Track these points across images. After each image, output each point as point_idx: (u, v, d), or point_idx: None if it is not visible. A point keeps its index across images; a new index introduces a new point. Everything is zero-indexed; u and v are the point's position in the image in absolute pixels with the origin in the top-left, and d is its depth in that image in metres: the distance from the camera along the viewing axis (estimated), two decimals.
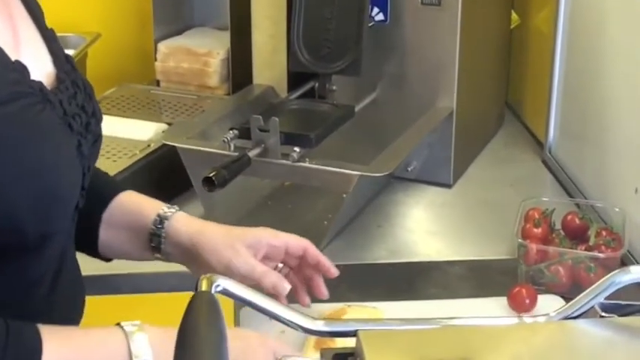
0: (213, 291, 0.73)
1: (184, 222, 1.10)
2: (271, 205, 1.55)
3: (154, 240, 1.09)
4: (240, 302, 0.76)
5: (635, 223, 1.35)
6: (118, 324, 0.89)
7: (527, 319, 0.80)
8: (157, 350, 0.87)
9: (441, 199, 1.61)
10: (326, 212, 1.48)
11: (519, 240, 1.32)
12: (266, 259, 1.12)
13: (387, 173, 1.36)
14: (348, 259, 1.40)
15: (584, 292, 0.80)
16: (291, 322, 0.77)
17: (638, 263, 1.33)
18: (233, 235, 1.10)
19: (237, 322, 1.21)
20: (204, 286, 0.73)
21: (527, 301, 1.23)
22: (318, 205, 1.53)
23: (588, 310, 0.79)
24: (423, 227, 1.53)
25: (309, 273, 1.15)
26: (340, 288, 1.26)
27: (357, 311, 1.18)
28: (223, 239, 1.09)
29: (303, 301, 1.16)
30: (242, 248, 1.08)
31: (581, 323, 0.79)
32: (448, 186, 1.64)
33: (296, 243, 1.13)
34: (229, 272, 1.06)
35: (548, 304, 1.24)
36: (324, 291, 1.16)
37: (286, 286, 1.08)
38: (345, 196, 1.39)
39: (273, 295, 1.15)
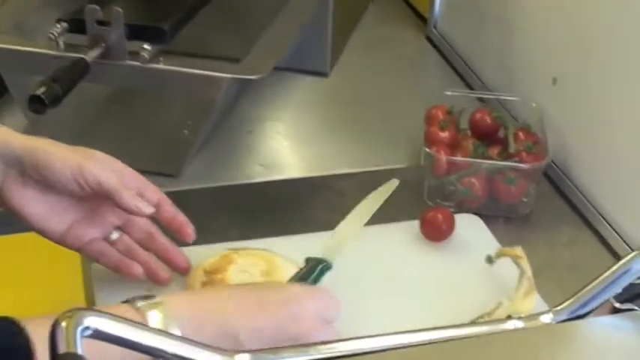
0: (79, 336, 0.47)
1: (12, 131, 0.86)
2: (114, 112, 1.25)
3: None
4: (126, 347, 0.50)
5: (554, 121, 1.16)
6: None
7: (517, 322, 0.59)
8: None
9: (318, 93, 1.37)
10: (184, 118, 1.20)
11: (426, 149, 1.10)
12: None
13: (264, 75, 1.09)
14: (216, 178, 1.15)
15: (592, 284, 0.58)
16: None
17: (562, 172, 1.15)
18: (82, 148, 0.87)
19: (88, 283, 0.95)
20: (65, 333, 0.46)
21: (444, 226, 1.03)
22: (174, 109, 1.24)
23: (600, 305, 0.59)
24: (301, 131, 1.28)
25: (162, 243, 0.91)
26: (216, 221, 1.04)
27: (246, 257, 0.93)
28: (69, 147, 0.86)
29: (163, 278, 0.91)
30: (94, 159, 0.86)
31: (594, 325, 0.58)
32: (324, 75, 1.39)
33: (154, 186, 0.91)
34: (80, 177, 0.83)
35: (466, 224, 1.05)
36: (185, 264, 0.92)
37: (149, 209, 0.86)
38: (211, 100, 1.11)
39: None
